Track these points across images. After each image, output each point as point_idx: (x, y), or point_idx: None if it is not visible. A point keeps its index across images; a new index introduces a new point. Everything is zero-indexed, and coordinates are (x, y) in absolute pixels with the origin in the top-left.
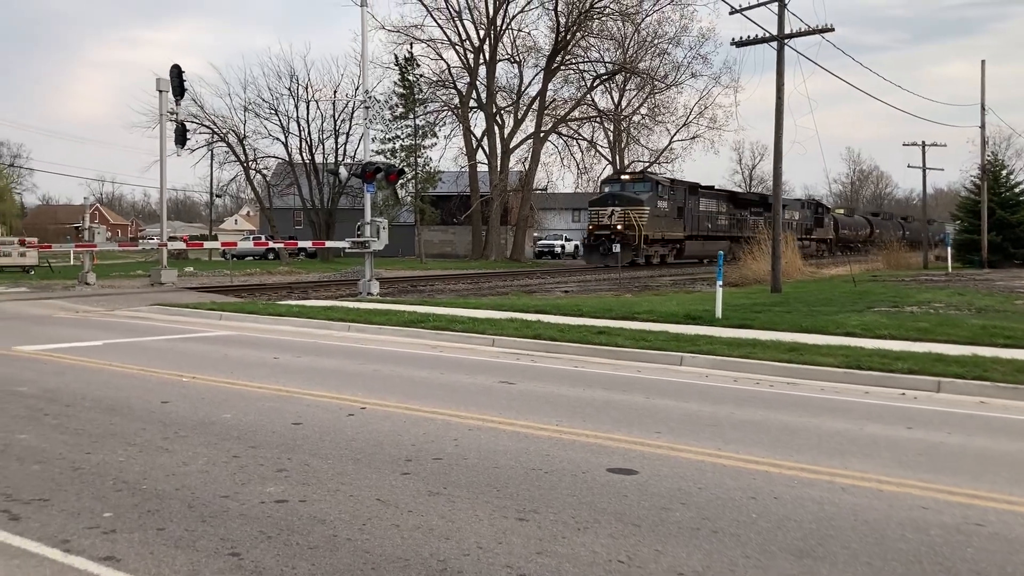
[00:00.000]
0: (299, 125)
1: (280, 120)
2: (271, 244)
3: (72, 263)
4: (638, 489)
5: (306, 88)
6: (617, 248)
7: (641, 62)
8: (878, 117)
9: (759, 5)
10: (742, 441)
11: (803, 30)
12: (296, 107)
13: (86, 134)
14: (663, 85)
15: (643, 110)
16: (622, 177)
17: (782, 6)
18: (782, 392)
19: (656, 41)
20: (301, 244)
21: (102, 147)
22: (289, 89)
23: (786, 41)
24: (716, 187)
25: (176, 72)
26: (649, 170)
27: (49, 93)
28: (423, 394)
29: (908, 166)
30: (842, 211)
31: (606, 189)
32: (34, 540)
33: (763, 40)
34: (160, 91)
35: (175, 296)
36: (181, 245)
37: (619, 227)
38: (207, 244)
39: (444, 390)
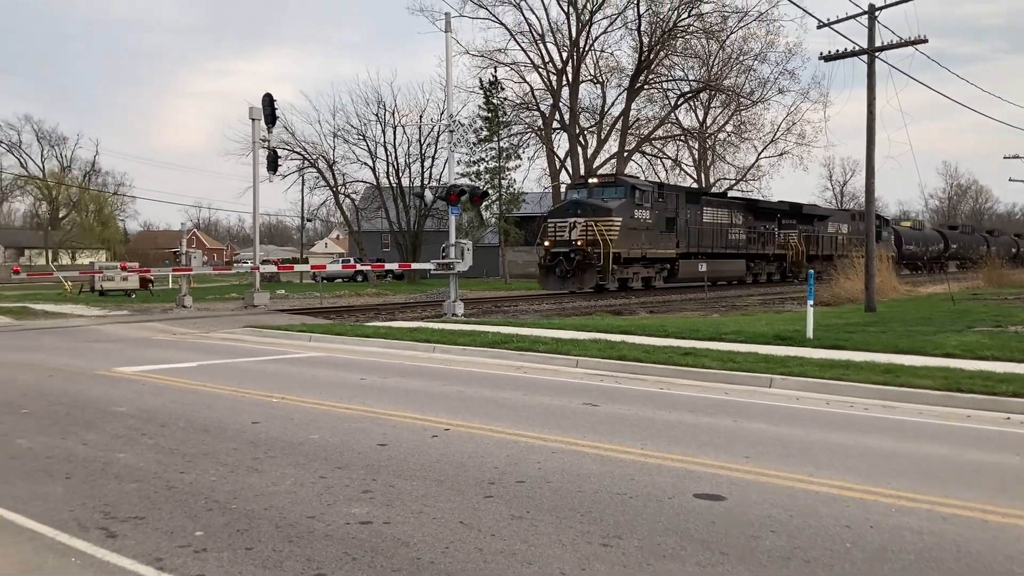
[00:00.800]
0: (386, 150)
1: (368, 145)
2: (359, 266)
3: (170, 286)
4: (726, 515)
5: (393, 113)
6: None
7: (726, 79)
8: (976, 130)
9: (848, 18)
10: (835, 467)
11: (894, 42)
12: (383, 132)
13: (184, 162)
14: (749, 102)
15: (728, 127)
16: (589, 181)
17: (872, 19)
18: (877, 416)
19: (741, 57)
20: (388, 266)
21: (199, 174)
22: (376, 115)
23: (877, 54)
24: (730, 194)
25: (268, 101)
26: (622, 174)
27: (151, 124)
28: (506, 416)
29: (1009, 179)
30: (908, 223)
31: (572, 195)
32: (129, 557)
33: (852, 54)
34: (253, 119)
35: (267, 318)
36: (273, 268)
37: (579, 243)
38: (298, 267)
39: (527, 412)
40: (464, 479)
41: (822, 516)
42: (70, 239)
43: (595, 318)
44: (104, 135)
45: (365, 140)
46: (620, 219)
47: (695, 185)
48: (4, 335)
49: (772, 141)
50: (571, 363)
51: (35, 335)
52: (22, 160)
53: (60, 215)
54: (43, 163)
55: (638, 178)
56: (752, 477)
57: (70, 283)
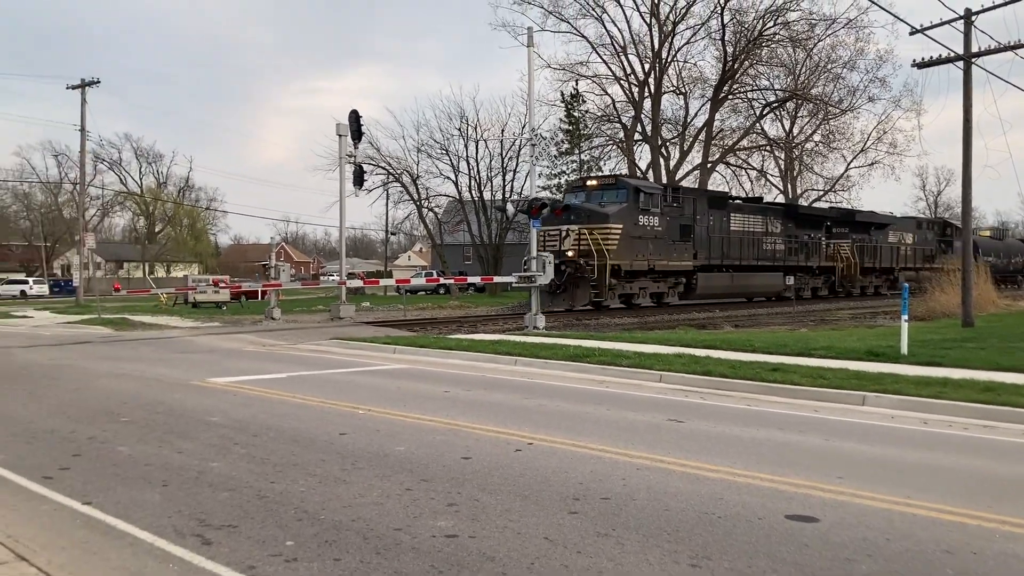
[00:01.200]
0: (468, 164)
1: (450, 159)
2: (442, 280)
3: (259, 299)
4: (819, 538)
5: (475, 128)
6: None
7: (813, 88)
8: None
9: (942, 24)
10: (934, 489)
11: (992, 48)
12: (465, 146)
13: (273, 177)
14: (837, 111)
15: (816, 137)
16: (587, 183)
17: (968, 24)
18: (978, 436)
19: (830, 66)
20: (470, 279)
21: (287, 189)
22: (459, 129)
23: (973, 60)
24: (766, 200)
25: (354, 117)
26: (624, 173)
27: (241, 141)
28: (590, 430)
29: None
30: (987, 232)
31: (571, 199)
32: (223, 564)
33: (947, 60)
34: (340, 135)
35: (353, 330)
36: (359, 282)
37: (570, 254)
38: (383, 281)
39: (611, 427)
40: (548, 494)
41: (921, 541)
42: (165, 253)
43: (678, 332)
44: (198, 152)
45: (448, 154)
46: (620, 226)
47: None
48: (106, 346)
49: (862, 151)
50: (654, 378)
51: (134, 346)
52: (122, 177)
53: (156, 229)
54: (141, 180)
55: (646, 179)
56: (846, 498)
57: (165, 295)
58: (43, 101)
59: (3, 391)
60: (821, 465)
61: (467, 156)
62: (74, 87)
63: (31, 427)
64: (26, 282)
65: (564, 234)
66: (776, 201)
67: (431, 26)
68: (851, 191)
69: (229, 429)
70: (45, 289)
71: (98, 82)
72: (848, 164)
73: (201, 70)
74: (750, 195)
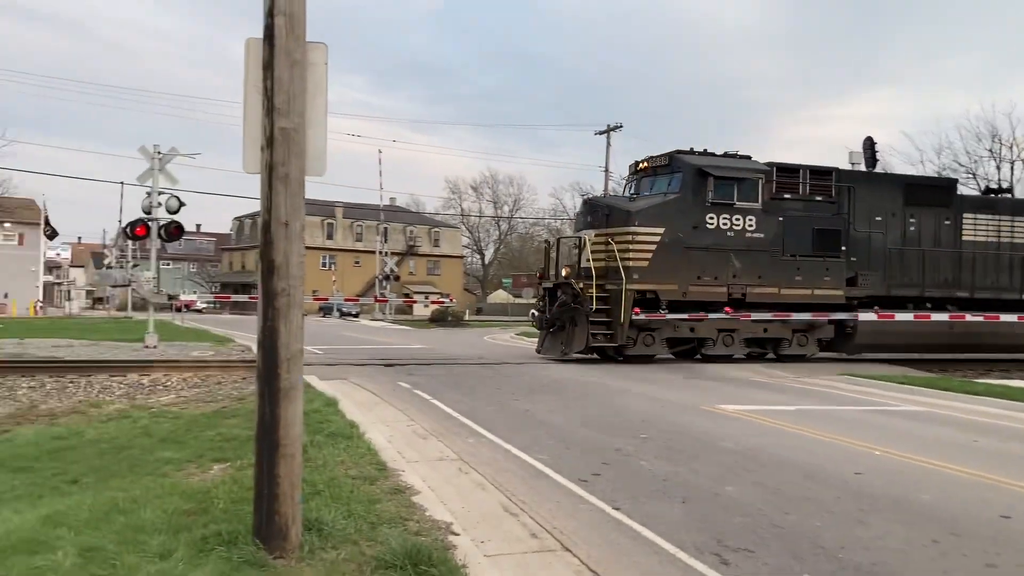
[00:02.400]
0: (1000, 187)
1: (977, 184)
2: (969, 317)
3: None
4: None
5: (1010, 147)
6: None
7: None
8: None
9: None
10: None
11: None
12: (997, 168)
13: None
14: None
15: None
16: (639, 167)
17: None
18: None
19: None
20: (969, 317)
21: None
22: (990, 150)
23: None
24: None
25: (869, 144)
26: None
27: None
28: None
29: None
30: None
31: (626, 192)
32: None
33: None
34: (852, 164)
35: (861, 367)
36: (873, 317)
37: (564, 272)
38: (899, 315)
39: None
40: None
41: None
42: None
43: None
44: None
45: (975, 178)
46: (658, 230)
47: None
48: (619, 367)
49: None
50: None
51: (651, 369)
52: None
53: None
54: None
55: (744, 158)
56: None
57: None
58: (574, 146)
59: (544, 401)
60: None
61: (999, 179)
62: (600, 132)
63: (566, 435)
64: None
65: (582, 245)
66: None
67: (954, 43)
68: None
69: (740, 456)
70: None
71: (620, 126)
72: None
73: (712, 107)
74: None
